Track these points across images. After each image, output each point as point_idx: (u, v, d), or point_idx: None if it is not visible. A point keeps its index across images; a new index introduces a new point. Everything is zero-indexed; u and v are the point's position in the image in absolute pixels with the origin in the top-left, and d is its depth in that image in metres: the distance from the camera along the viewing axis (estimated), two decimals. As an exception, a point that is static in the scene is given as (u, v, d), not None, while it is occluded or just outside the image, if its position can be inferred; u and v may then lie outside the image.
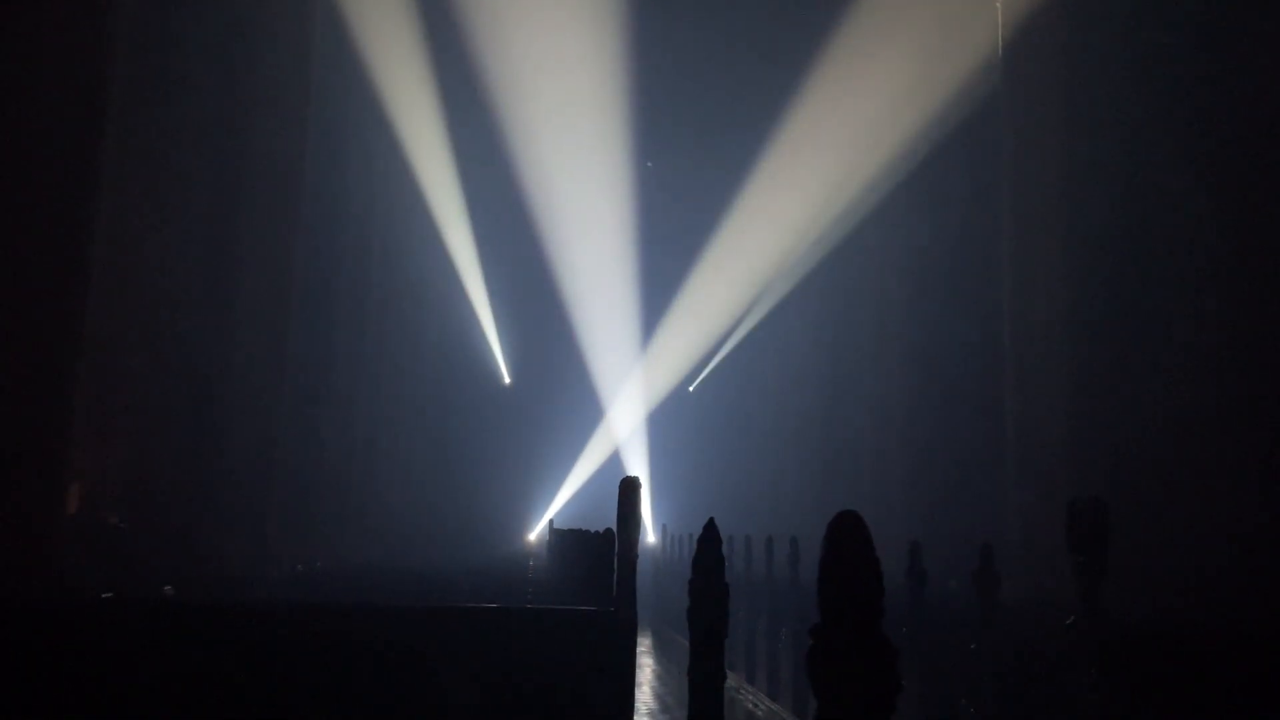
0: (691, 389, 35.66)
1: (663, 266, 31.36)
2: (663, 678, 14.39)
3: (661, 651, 17.66)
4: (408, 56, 21.73)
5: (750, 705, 12.38)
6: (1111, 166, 12.25)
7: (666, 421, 34.65)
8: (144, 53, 11.67)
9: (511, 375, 34.93)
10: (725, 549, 5.22)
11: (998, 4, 15.09)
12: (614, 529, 6.97)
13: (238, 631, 6.18)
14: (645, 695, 12.58)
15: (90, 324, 8.74)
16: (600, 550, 8.40)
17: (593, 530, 10.51)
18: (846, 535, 2.34)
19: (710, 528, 5.05)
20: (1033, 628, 8.33)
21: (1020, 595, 10.88)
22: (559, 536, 16.77)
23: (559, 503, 34.44)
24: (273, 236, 14.60)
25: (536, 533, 33.80)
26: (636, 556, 6.61)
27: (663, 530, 26.91)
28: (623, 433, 34.07)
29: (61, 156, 8.33)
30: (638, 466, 33.85)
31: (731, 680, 11.82)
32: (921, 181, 19.41)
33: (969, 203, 17.66)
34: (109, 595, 7.90)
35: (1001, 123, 15.07)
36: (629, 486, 6.59)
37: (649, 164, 26.82)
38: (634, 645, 6.36)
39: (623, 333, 32.37)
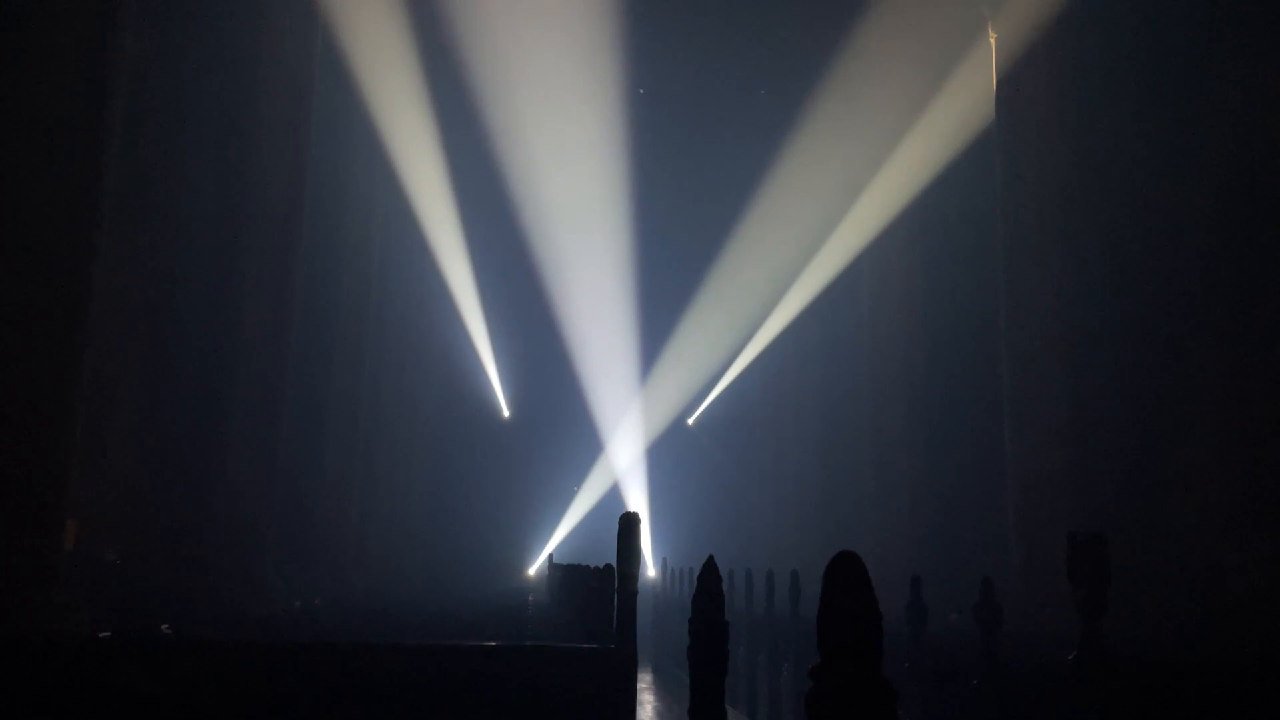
0: (691, 422, 35.63)
1: (661, 300, 31.44)
2: (664, 715, 14.27)
3: (662, 688, 17.52)
4: (408, 92, 21.91)
5: (752, 742, 12.27)
6: (1105, 196, 12.34)
7: (666, 454, 34.59)
8: (147, 78, 11.77)
9: (510, 409, 34.90)
10: (725, 583, 5.20)
11: (991, 39, 15.25)
12: (614, 564, 6.95)
13: (236, 670, 6.15)
14: (646, 732, 12.46)
15: (89, 361, 8.76)
16: (600, 586, 8.36)
17: (592, 565, 10.46)
18: (845, 576, 2.34)
19: (710, 565, 5.04)
20: (1035, 663, 8.28)
21: (1023, 628, 10.82)
22: (559, 571, 16.70)
23: (559, 537, 34.30)
24: (273, 274, 14.65)
25: (536, 567, 33.63)
26: (636, 592, 6.59)
27: (663, 564, 26.77)
28: (622, 466, 33.99)
29: (61, 197, 8.38)
30: (637, 500, 33.73)
31: (732, 718, 11.72)
32: (918, 214, 19.52)
33: (965, 235, 17.75)
34: (106, 634, 7.86)
35: (996, 153, 15.18)
36: (629, 522, 6.58)
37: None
38: (634, 682, 6.33)
39: (621, 366, 32.38)
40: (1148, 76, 11.81)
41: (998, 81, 15.02)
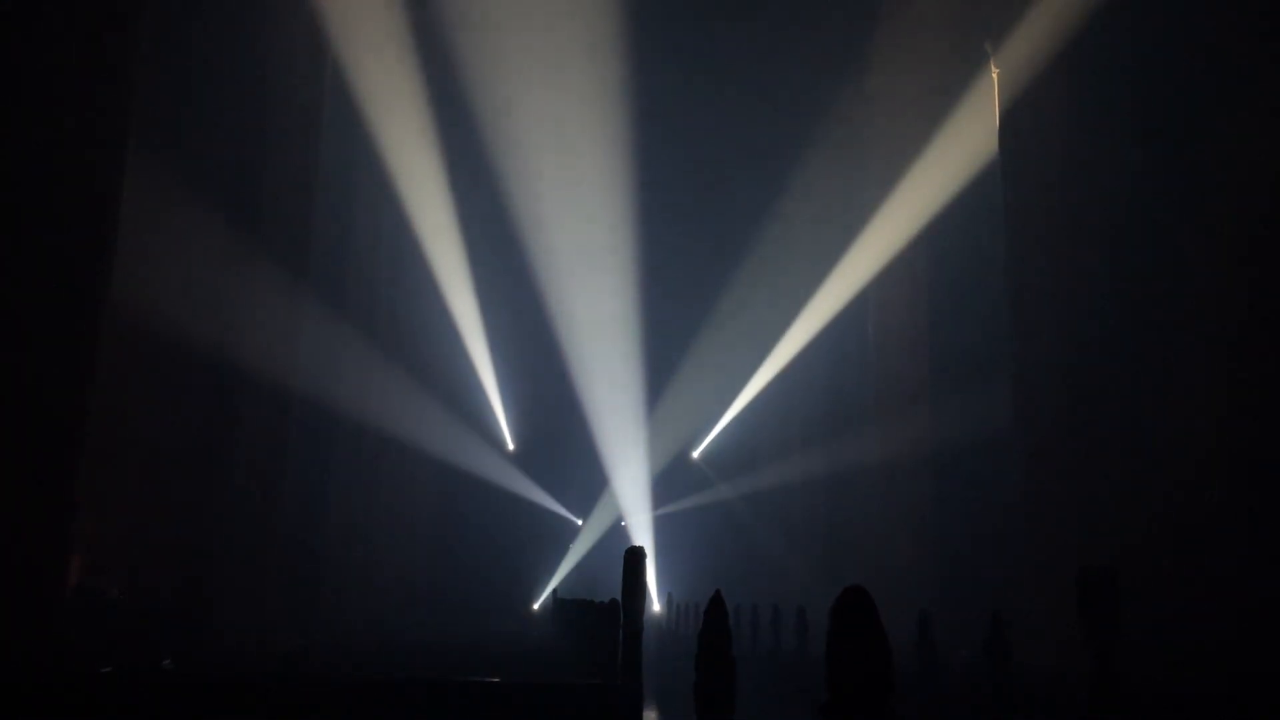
0: (696, 455, 35.55)
1: (666, 335, 31.45)
2: (669, 752, 14.09)
3: (668, 725, 17.30)
4: (414, 124, 22.03)
5: (759, 781, 12.10)
6: (1108, 226, 12.34)
7: (671, 488, 34.48)
8: (154, 139, 11.85)
9: (515, 443, 34.80)
10: (731, 619, 5.13)
11: (994, 74, 15.35)
12: (618, 599, 6.90)
13: (238, 705, 6.09)
14: (651, 771, 12.30)
15: (94, 401, 8.75)
16: (605, 621, 8.30)
17: (597, 600, 10.39)
18: (853, 612, 2.29)
19: (716, 600, 4.99)
20: (1047, 698, 8.19)
21: (1035, 662, 10.70)
22: (563, 607, 16.58)
23: (563, 572, 34.12)
24: (279, 304, 14.68)
25: (541, 602, 33.41)
26: (642, 628, 6.53)
27: (668, 599, 26.58)
28: (627, 500, 33.86)
29: (68, 246, 8.41)
30: (642, 533, 33.57)
31: (739, 754, 11.53)
32: (923, 246, 19.52)
33: (970, 266, 17.75)
34: (108, 669, 7.79)
35: (1001, 185, 15.22)
36: (634, 557, 6.54)
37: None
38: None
39: (627, 400, 32.33)
40: (1148, 110, 11.86)
41: (1000, 115, 15.10)
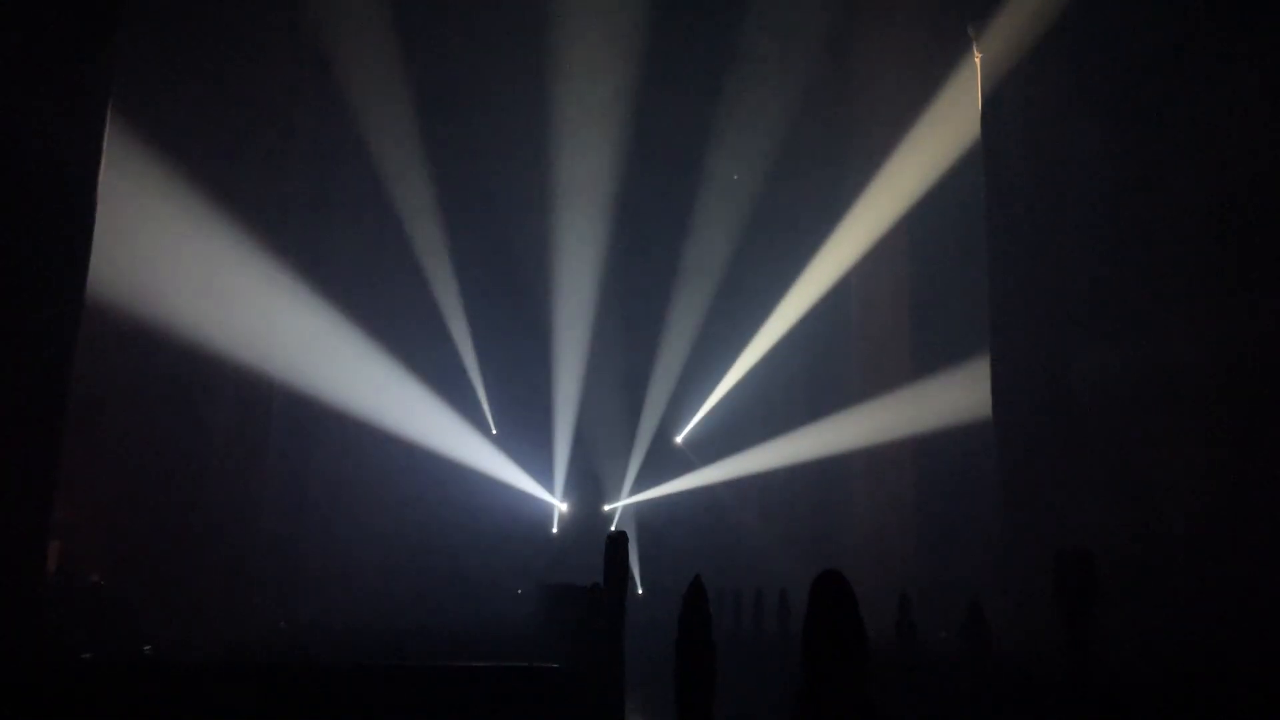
0: (679, 440, 35.57)
1: (651, 317, 31.41)
2: (652, 735, 14.15)
3: (649, 711, 17.39)
4: (395, 108, 21.90)
5: (740, 764, 12.16)
6: (1088, 210, 12.39)
7: (655, 472, 34.49)
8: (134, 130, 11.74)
9: (498, 426, 34.73)
10: (714, 603, 5.16)
11: (977, 59, 15.35)
12: (600, 584, 6.91)
13: (218, 691, 6.08)
14: (634, 753, 12.34)
15: (75, 386, 8.70)
16: (588, 606, 8.31)
17: (580, 585, 10.39)
18: (830, 596, 2.30)
19: (696, 584, 5.00)
20: (1023, 681, 8.25)
21: (1013, 645, 10.79)
22: (546, 591, 16.61)
23: (546, 555, 34.11)
24: (258, 291, 14.60)
25: (525, 587, 33.43)
26: (624, 612, 6.55)
27: (651, 583, 26.64)
28: (610, 484, 33.88)
29: (46, 235, 8.33)
30: (625, 517, 33.59)
31: (721, 737, 11.58)
32: (906, 228, 19.55)
33: (952, 249, 17.78)
34: (88, 655, 7.77)
35: (982, 168, 15.24)
36: (616, 542, 6.55)
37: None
38: (622, 705, 6.29)
39: (611, 386, 32.32)
40: (1132, 95, 11.89)
41: (983, 100, 15.10)
